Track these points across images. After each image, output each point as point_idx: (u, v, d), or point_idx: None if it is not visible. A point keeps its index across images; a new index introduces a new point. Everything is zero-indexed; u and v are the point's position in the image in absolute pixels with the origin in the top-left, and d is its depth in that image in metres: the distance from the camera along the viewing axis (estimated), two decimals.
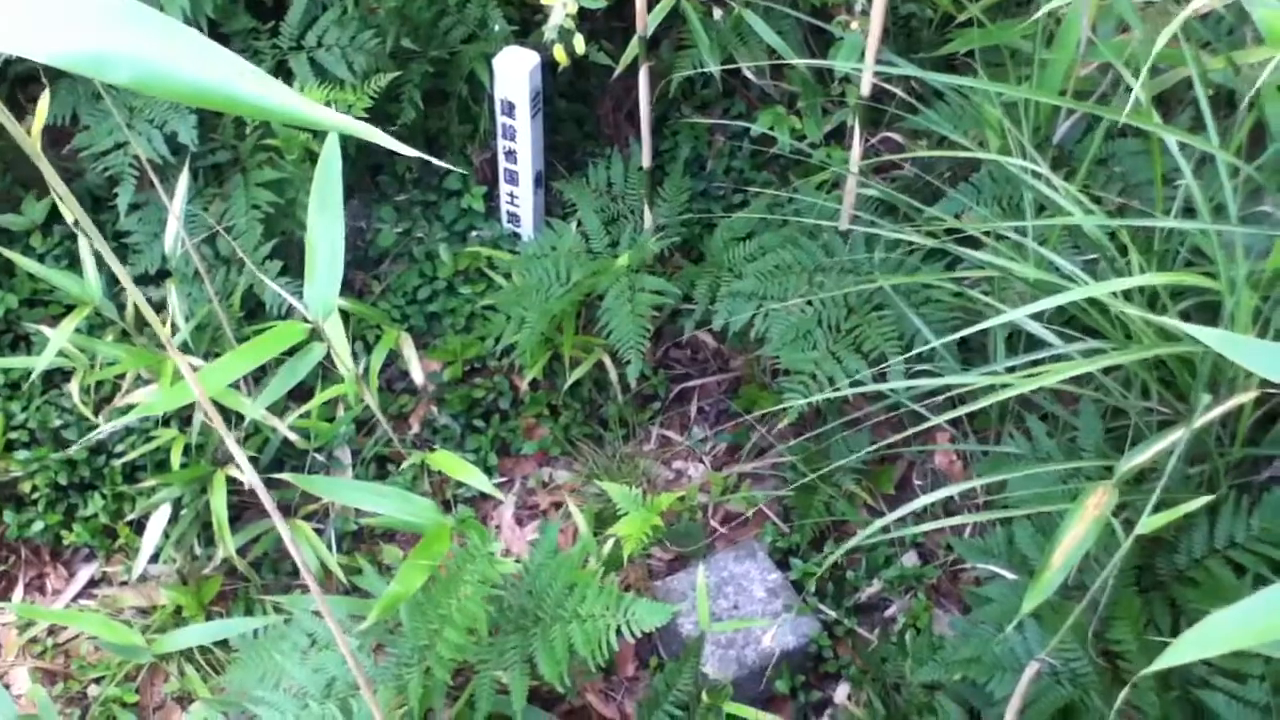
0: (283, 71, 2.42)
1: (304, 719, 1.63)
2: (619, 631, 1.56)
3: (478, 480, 1.68)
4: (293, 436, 2.22)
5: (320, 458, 2.38)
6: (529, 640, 1.63)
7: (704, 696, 2.01)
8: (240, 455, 1.13)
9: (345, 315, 2.36)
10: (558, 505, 2.52)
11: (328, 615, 1.28)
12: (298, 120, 0.65)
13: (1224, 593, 1.57)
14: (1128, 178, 2.11)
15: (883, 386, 1.97)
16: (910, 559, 2.35)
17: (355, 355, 2.45)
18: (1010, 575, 1.74)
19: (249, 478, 1.13)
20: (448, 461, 1.69)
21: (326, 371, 2.52)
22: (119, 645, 1.65)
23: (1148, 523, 1.23)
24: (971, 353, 2.02)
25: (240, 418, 2.21)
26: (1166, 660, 0.89)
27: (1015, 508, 1.71)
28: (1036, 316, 1.74)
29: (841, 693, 2.22)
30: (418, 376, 2.40)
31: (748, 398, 2.62)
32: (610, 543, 2.17)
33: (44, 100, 1.67)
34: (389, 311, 2.57)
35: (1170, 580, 1.62)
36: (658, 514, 2.15)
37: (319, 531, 2.35)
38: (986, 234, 1.90)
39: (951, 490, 1.66)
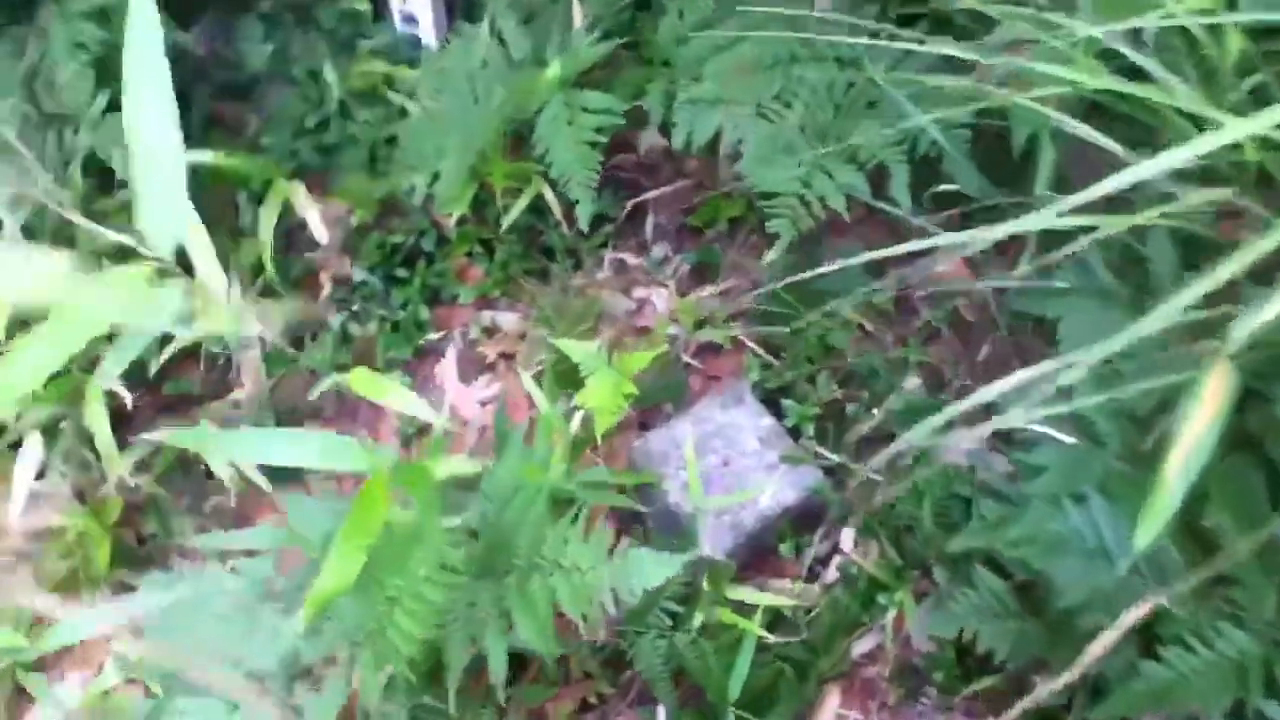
0: None
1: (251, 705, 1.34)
2: (617, 585, 1.27)
3: (407, 403, 1.34)
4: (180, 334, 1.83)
5: (218, 349, 2.00)
6: (502, 590, 1.34)
7: (704, 584, 1.76)
8: None
9: (216, 171, 1.92)
10: (507, 357, 2.19)
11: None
12: None
13: None
14: None
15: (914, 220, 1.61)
16: (913, 382, 2.07)
17: (237, 210, 2.03)
18: (1065, 439, 1.46)
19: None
20: (368, 383, 1.33)
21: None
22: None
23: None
24: (994, 168, 1.66)
25: None
26: None
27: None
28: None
29: (848, 540, 1.99)
30: (320, 233, 1.99)
31: (710, 209, 2.25)
32: (577, 417, 1.85)
33: None
34: (272, 150, 2.13)
35: (1269, 436, 1.35)
36: (629, 376, 1.83)
37: (233, 422, 2.00)
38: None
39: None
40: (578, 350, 1.88)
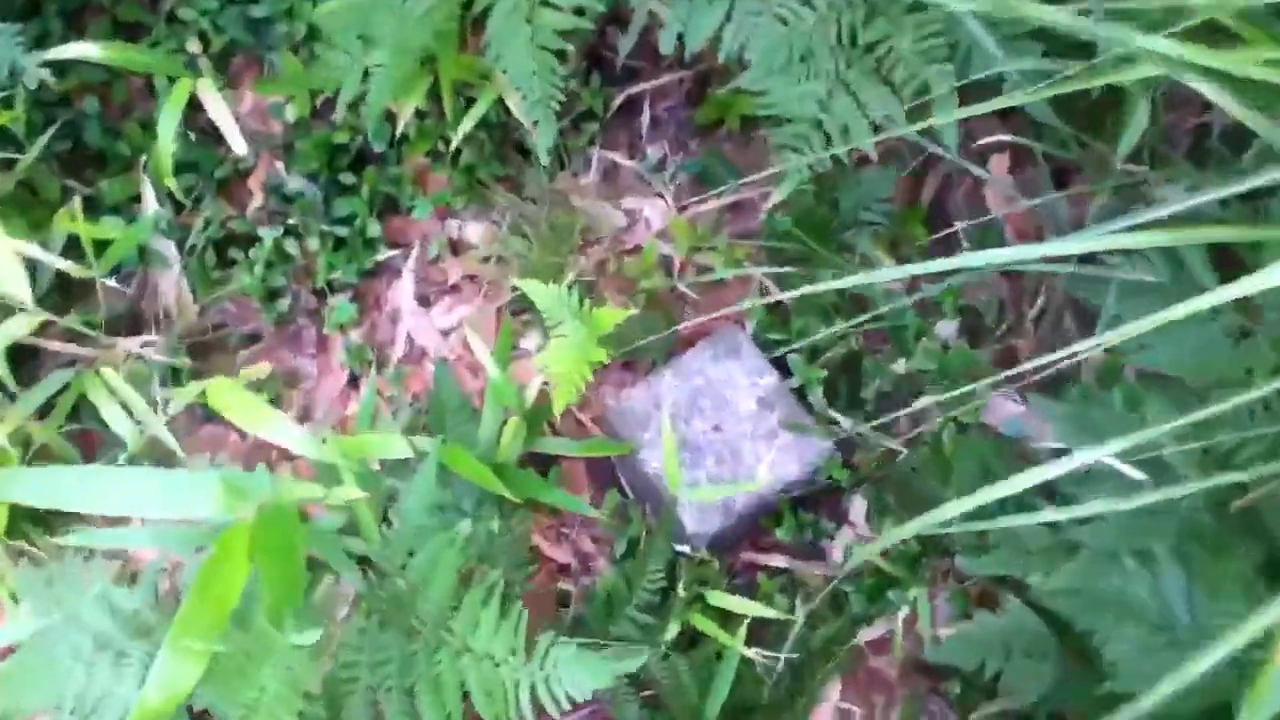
0: None
1: None
2: (536, 688, 0.99)
3: (280, 432, 1.04)
4: (66, 266, 1.53)
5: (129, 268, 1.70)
6: (408, 654, 1.07)
7: (680, 588, 1.49)
8: None
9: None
10: (473, 279, 1.87)
11: None
12: None
13: None
14: None
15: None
16: (948, 329, 1.73)
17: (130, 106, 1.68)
18: (1133, 474, 1.14)
19: None
20: (228, 402, 1.04)
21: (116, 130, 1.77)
22: None
23: None
24: (1065, 102, 1.27)
25: None
26: None
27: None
28: None
29: (859, 521, 1.71)
30: (236, 140, 1.64)
31: (718, 104, 1.87)
32: (536, 384, 1.55)
33: None
34: (190, 29, 1.76)
35: None
36: (601, 334, 1.51)
37: (145, 365, 1.72)
38: None
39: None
40: (542, 294, 1.56)
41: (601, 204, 1.88)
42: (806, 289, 1.05)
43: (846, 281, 1.02)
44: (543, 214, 1.85)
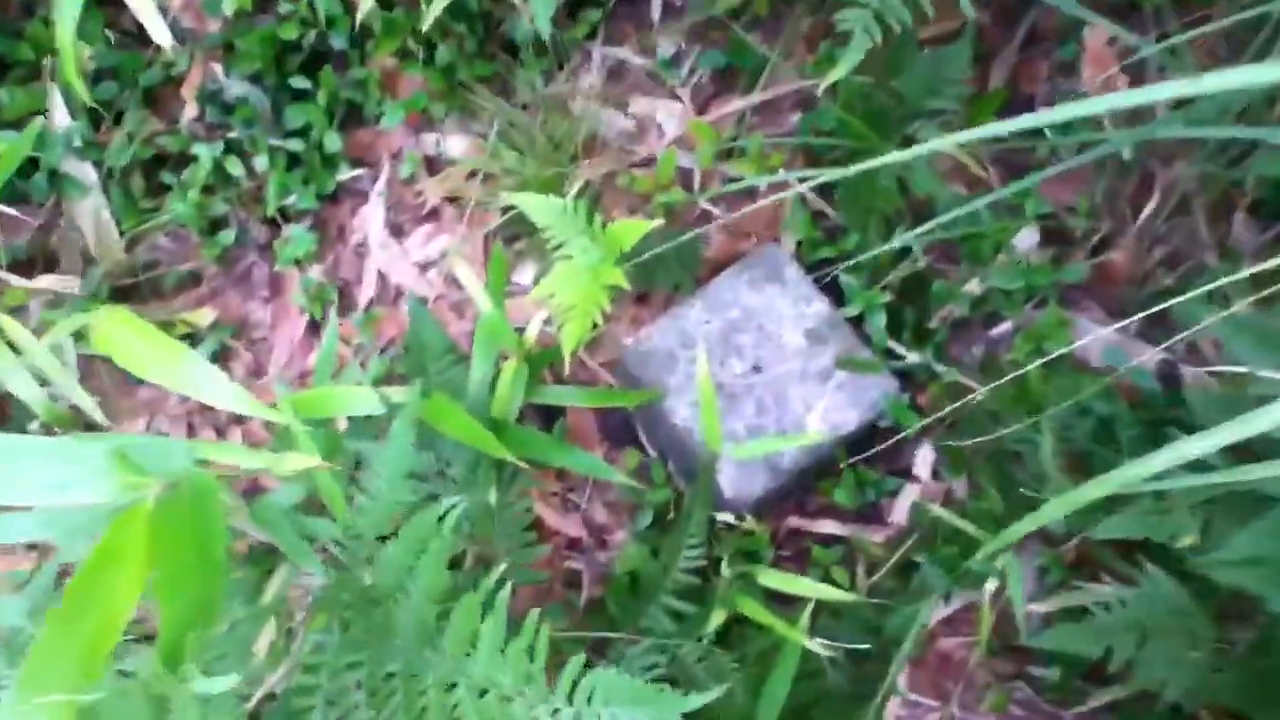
0: None
1: None
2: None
3: (199, 381, 0.75)
4: None
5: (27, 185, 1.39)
6: (382, 681, 0.78)
7: (724, 568, 1.20)
8: None
9: None
10: (454, 201, 1.57)
11: None
12: None
13: None
14: None
15: None
16: (1028, 240, 1.44)
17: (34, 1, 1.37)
18: None
19: None
20: (121, 337, 0.74)
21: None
22: None
23: None
24: None
25: None
26: None
27: None
28: None
29: (927, 475, 1.42)
30: (158, 31, 1.33)
31: None
32: (536, 323, 1.25)
33: None
34: None
35: None
36: (618, 255, 1.21)
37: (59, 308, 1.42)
38: None
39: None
40: (541, 208, 1.26)
41: (606, 109, 1.57)
42: (864, 165, 0.76)
43: (912, 152, 0.72)
44: (536, 122, 1.54)
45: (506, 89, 1.57)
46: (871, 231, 1.38)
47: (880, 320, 1.36)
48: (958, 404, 1.37)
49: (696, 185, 1.53)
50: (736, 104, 1.54)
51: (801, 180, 1.38)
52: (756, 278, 1.39)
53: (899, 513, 1.41)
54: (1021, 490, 1.27)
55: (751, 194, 1.50)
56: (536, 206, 1.27)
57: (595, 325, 1.15)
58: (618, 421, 1.44)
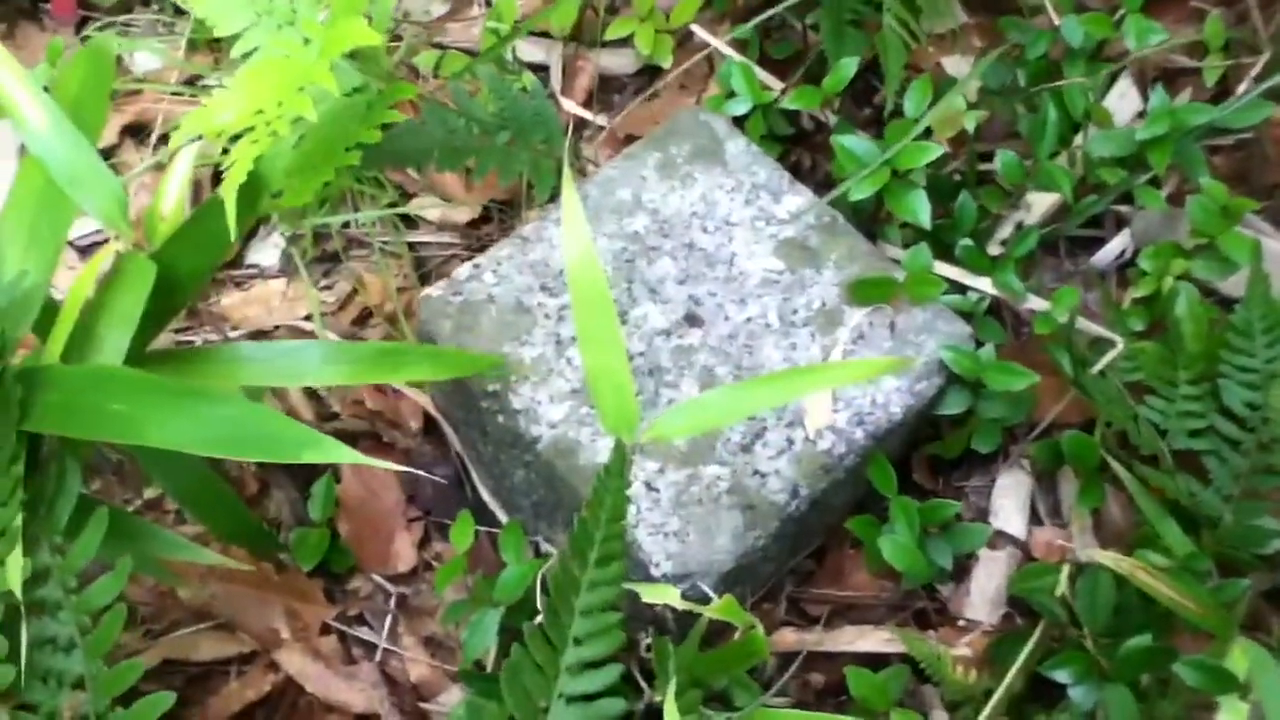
0: None
1: None
2: None
3: None
4: None
5: None
6: None
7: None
8: None
9: None
10: None
11: None
12: None
13: None
14: None
15: None
16: (1126, 97, 0.81)
17: None
18: None
19: None
20: None
21: None
22: None
23: None
24: None
25: None
26: None
27: None
28: None
29: (1016, 490, 0.74)
30: None
31: None
32: (175, 181, 0.55)
33: None
34: None
35: None
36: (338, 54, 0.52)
37: None
38: None
39: None
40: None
41: None
42: None
43: None
44: None
45: None
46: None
47: (921, 205, 0.70)
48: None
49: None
50: None
51: None
52: (675, 159, 0.73)
53: (985, 588, 0.72)
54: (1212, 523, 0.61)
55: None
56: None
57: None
58: (443, 474, 0.74)
